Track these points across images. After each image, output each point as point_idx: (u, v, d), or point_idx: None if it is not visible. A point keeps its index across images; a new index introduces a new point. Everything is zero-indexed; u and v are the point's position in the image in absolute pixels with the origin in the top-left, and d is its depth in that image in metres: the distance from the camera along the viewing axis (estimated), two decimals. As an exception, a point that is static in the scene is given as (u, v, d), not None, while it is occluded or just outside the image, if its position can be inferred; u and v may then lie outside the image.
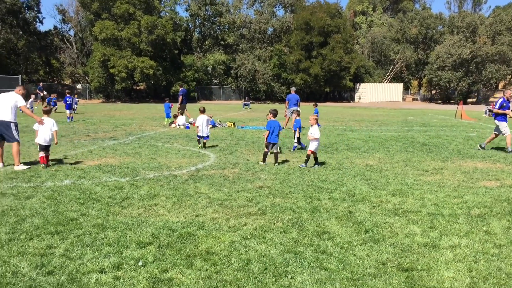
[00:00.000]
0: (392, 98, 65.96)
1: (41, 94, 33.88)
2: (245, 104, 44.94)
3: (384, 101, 64.09)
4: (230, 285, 4.20)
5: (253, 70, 62.66)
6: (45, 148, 9.83)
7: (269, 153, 10.83)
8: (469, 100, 60.51)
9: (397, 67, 71.84)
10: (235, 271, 4.50)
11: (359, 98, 66.51)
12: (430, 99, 68.45)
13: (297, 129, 13.13)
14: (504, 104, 13.47)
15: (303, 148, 12.95)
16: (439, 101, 64.90)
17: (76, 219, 6.06)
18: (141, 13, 56.14)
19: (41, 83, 41.57)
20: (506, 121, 13.50)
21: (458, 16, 66.40)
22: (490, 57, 56.65)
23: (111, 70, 54.67)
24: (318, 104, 24.02)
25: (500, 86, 71.27)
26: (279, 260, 4.79)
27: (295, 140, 13.24)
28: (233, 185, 8.29)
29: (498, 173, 9.72)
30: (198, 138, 13.69)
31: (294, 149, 13.12)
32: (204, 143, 13.50)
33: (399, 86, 68.66)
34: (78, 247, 5.06)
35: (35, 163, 10.13)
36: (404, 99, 69.26)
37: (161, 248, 5.09)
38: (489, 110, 33.34)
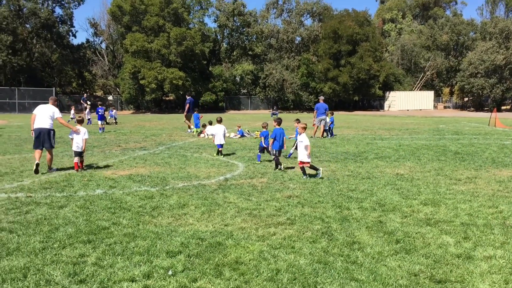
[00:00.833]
0: (423, 106, 64.87)
1: (85, 105, 34.63)
2: (273, 114, 44.95)
3: (415, 109, 63.08)
4: (259, 295, 4.18)
5: (281, 79, 62.74)
6: (79, 154, 10.81)
7: (278, 158, 11.34)
8: (503, 107, 59.04)
9: (427, 75, 70.71)
10: (264, 281, 4.47)
11: (389, 107, 65.67)
12: (463, 107, 67.09)
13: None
14: None
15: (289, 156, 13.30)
16: (472, 109, 63.55)
17: (107, 228, 6.16)
18: (170, 25, 57.10)
19: (85, 94, 42.78)
20: None
21: (491, 22, 65.14)
22: (524, 63, 55.24)
23: (141, 82, 55.67)
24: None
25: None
26: (308, 270, 4.74)
27: (294, 147, 13.26)
28: (262, 195, 8.28)
29: (535, 182, 9.41)
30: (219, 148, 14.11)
31: (289, 156, 13.30)
32: (220, 151, 13.96)
33: (430, 93, 67.50)
34: (110, 255, 5.14)
35: (68, 170, 10.37)
36: (435, 107, 68.04)
37: (191, 257, 5.12)
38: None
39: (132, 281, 4.45)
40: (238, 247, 5.46)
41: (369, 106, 67.89)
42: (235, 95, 68.14)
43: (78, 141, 10.82)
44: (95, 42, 74.30)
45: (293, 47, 68.46)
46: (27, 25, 61.05)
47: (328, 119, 20.32)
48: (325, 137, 19.98)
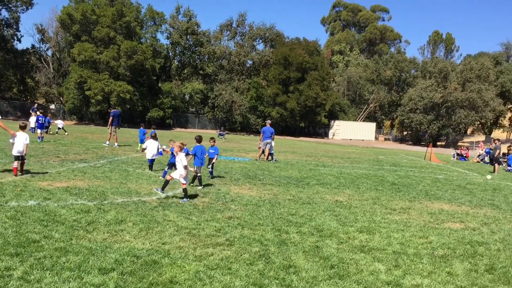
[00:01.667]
0: (365, 137, 67.14)
1: (33, 114, 33.21)
2: (220, 134, 44.97)
3: (357, 139, 65.15)
4: (191, 315, 4.14)
5: (230, 101, 63.07)
6: (19, 159, 11.02)
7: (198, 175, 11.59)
8: (438, 143, 62.06)
9: (371, 107, 73.44)
10: (197, 301, 4.43)
11: (333, 135, 67.44)
12: (402, 140, 69.95)
13: (216, 156, 13.53)
14: None
15: (211, 175, 13.42)
16: (410, 142, 66.36)
17: (38, 241, 5.91)
18: (121, 37, 56.25)
19: (35, 104, 41.38)
20: None
21: (431, 61, 68.80)
22: (460, 102, 58.50)
23: (87, 92, 54.19)
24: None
25: (468, 132, 73.52)
26: (243, 292, 4.75)
27: (210, 167, 13.46)
28: (203, 214, 8.23)
29: (463, 216, 9.93)
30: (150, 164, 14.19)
31: (211, 174, 13.42)
32: (150, 166, 14.12)
33: (372, 125, 70.06)
34: (38, 270, 4.92)
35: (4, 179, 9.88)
36: (376, 138, 70.56)
37: (124, 275, 4.99)
38: (457, 154, 34.23)
39: (60, 298, 4.28)
40: (174, 266, 5.39)
41: (314, 133, 69.41)
42: (183, 113, 67.69)
43: (18, 146, 10.96)
44: (41, 49, 71.86)
45: (244, 70, 69.21)
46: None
47: (273, 143, 20.58)
48: (270, 160, 20.20)
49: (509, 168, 25.21)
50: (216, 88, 64.53)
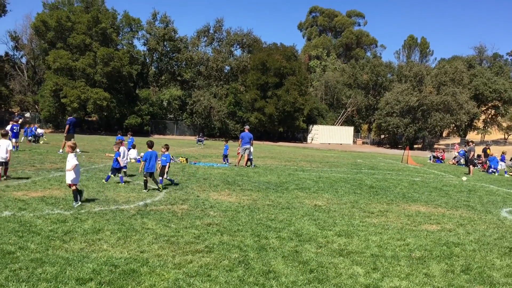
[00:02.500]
0: (343, 141, 67.77)
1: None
2: (199, 140, 44.82)
3: (336, 143, 65.73)
4: (171, 324, 4.11)
5: (208, 106, 63.00)
6: (2, 164, 12.11)
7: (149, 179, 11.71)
8: (415, 146, 63.00)
9: (348, 111, 74.22)
10: (177, 309, 4.41)
11: (312, 139, 67.88)
12: (379, 143, 70.82)
13: (168, 164, 13.17)
14: None
15: (172, 182, 13.17)
16: (387, 146, 67.22)
17: (13, 253, 5.80)
18: (97, 44, 55.74)
19: (16, 113, 40.90)
20: None
21: (406, 65, 69.93)
22: (435, 106, 59.53)
23: (63, 100, 53.47)
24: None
25: (444, 134, 74.86)
26: (223, 299, 4.74)
27: (166, 175, 13.22)
28: (181, 222, 8.19)
29: (440, 217, 10.10)
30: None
31: (161, 182, 12.68)
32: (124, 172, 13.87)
33: (350, 129, 70.79)
34: (13, 282, 4.83)
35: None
36: (354, 142, 71.29)
37: (102, 285, 4.94)
38: (434, 156, 34.81)
39: (36, 310, 4.20)
40: (153, 274, 5.35)
41: (293, 138, 69.77)
42: (161, 119, 67.30)
43: (1, 152, 12.02)
44: (15, 56, 70.72)
45: (222, 76, 69.26)
46: None
47: (252, 149, 20.61)
48: (249, 166, 20.21)
49: (491, 169, 25.64)
50: (194, 94, 64.41)
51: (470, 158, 25.36)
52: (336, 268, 6.03)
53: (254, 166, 20.49)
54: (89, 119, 64.63)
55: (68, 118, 23.51)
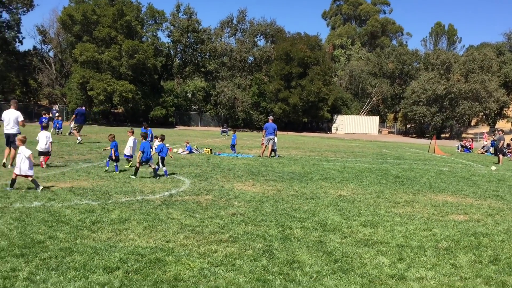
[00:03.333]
0: (368, 131, 67.01)
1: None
2: (223, 131, 45.01)
3: (361, 133, 65.05)
4: (196, 312, 4.16)
5: (232, 97, 63.05)
6: (43, 154, 13.20)
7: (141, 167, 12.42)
8: (442, 135, 61.85)
9: (373, 100, 73.29)
10: (202, 298, 4.45)
11: (336, 129, 67.36)
12: (405, 133, 69.80)
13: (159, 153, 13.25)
14: None
15: (166, 174, 12.86)
16: (414, 135, 66.21)
17: (43, 242, 5.95)
18: (122, 37, 56.29)
19: (55, 106, 42.68)
20: None
21: (433, 53, 68.44)
22: (463, 94, 58.25)
23: (90, 93, 54.34)
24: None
25: (472, 123, 73.27)
26: (247, 288, 4.77)
27: (161, 165, 13.12)
28: (206, 212, 8.26)
29: (467, 208, 9.92)
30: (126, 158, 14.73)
31: (166, 173, 12.82)
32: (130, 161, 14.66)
33: (376, 119, 69.92)
34: (43, 270, 4.96)
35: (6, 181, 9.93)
36: (380, 131, 70.45)
37: (129, 273, 5.03)
38: (462, 146, 34.14)
39: (66, 297, 4.31)
40: (178, 263, 5.41)
41: (317, 128, 69.34)
42: (186, 111, 67.74)
43: (42, 143, 13.09)
44: (43, 50, 72.00)
45: (246, 66, 69.14)
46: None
47: (276, 139, 20.57)
48: (273, 156, 20.20)
49: None
50: (218, 85, 64.52)
51: (499, 147, 24.78)
52: (361, 258, 5.99)
53: (278, 156, 20.47)
54: (115, 111, 65.53)
55: (77, 108, 24.27)
